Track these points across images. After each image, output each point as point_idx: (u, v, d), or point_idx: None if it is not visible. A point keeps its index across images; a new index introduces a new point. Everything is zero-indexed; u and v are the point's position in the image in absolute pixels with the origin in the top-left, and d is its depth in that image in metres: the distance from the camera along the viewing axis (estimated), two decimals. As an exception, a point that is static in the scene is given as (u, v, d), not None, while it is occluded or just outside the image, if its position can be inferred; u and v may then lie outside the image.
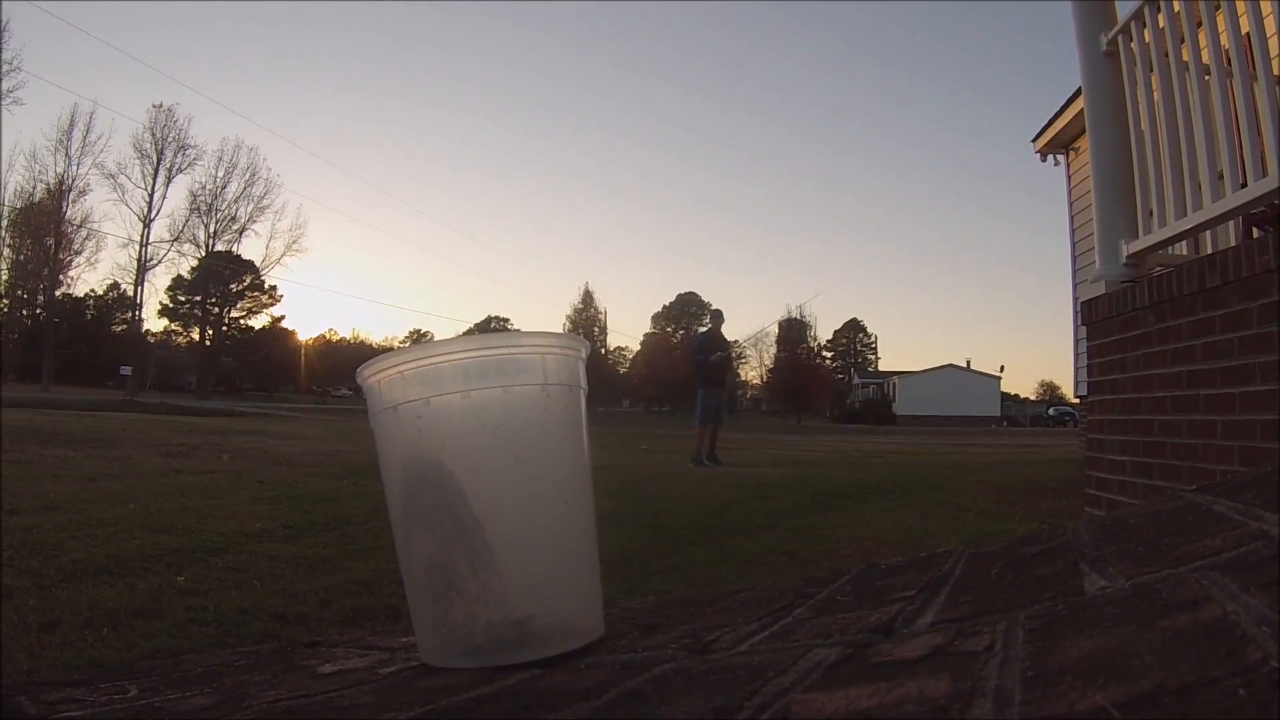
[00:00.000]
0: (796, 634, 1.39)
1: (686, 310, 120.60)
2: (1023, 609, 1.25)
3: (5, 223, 66.52)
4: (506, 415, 1.48)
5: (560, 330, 1.71)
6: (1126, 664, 0.84)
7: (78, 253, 69.92)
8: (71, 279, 73.32)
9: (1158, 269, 4.74)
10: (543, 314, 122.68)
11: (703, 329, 18.10)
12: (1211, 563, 1.23)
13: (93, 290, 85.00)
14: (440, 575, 1.48)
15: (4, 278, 69.13)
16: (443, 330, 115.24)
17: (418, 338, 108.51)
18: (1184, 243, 4.73)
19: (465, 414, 1.47)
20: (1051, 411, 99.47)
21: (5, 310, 71.53)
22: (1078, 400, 15.78)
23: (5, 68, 52.97)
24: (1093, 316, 5.10)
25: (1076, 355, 13.54)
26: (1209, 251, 4.48)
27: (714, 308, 16.25)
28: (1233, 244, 4.40)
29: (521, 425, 1.50)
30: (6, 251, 68.38)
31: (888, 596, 1.55)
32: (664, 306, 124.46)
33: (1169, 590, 1.13)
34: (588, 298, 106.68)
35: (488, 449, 1.47)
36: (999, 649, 1.04)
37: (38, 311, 73.45)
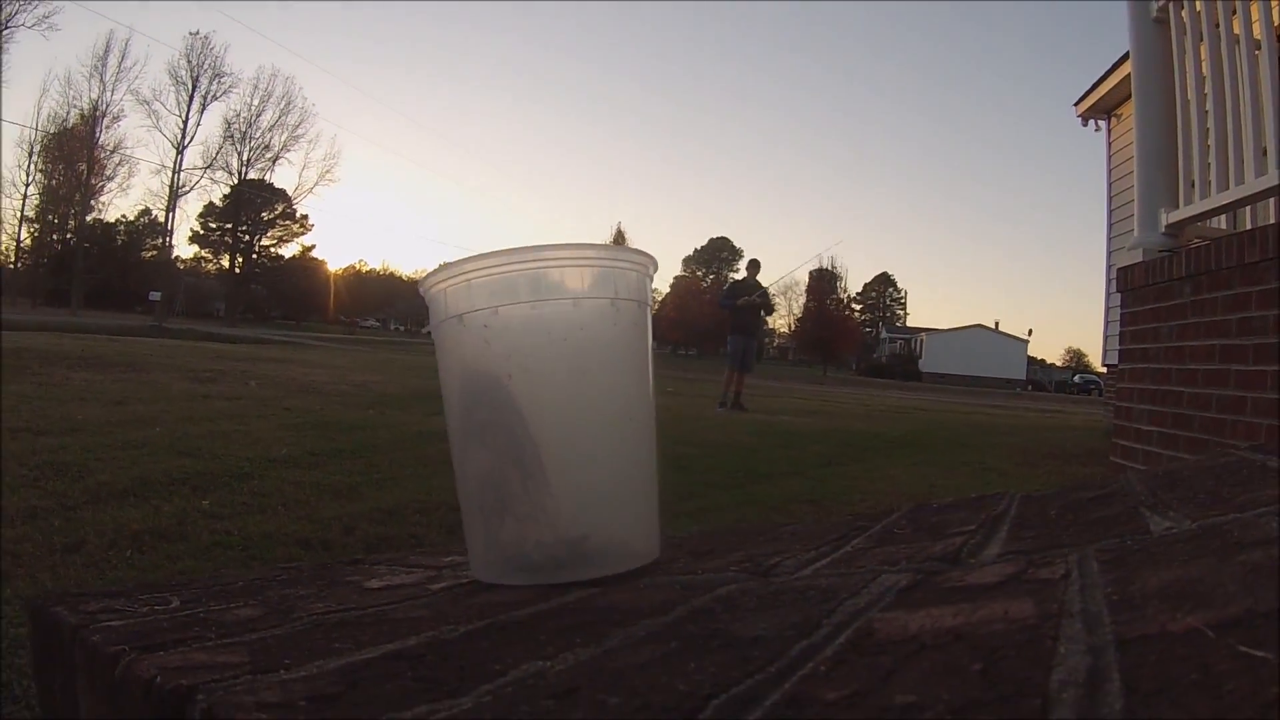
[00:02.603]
0: (860, 561, 1.38)
1: (718, 255, 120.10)
2: (1091, 544, 1.25)
3: (39, 148, 66.72)
4: (575, 329, 1.42)
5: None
6: (1210, 592, 0.85)
7: (110, 178, 69.90)
8: (103, 204, 73.47)
9: (1196, 241, 4.70)
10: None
11: (737, 276, 18.01)
12: (1276, 509, 1.23)
13: (124, 216, 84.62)
14: (494, 493, 1.45)
15: (35, 203, 69.27)
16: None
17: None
18: (1223, 216, 4.69)
19: (534, 326, 1.41)
20: (1077, 379, 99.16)
21: (36, 235, 71.70)
22: (1105, 369, 15.71)
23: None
24: (1128, 284, 5.07)
25: (1107, 324, 13.46)
26: (1248, 227, 4.45)
27: (751, 257, 16.15)
28: (1272, 221, 4.36)
29: (590, 340, 1.44)
30: (39, 176, 68.52)
31: (945, 531, 1.54)
32: (695, 250, 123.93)
33: (1239, 531, 1.14)
34: (619, 237, 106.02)
35: (554, 363, 1.42)
36: (1075, 577, 1.04)
37: (68, 236, 73.43)
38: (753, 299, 15.08)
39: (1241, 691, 0.59)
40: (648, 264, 1.59)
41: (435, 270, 1.49)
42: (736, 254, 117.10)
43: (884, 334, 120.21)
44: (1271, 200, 4.36)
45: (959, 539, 1.45)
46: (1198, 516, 1.32)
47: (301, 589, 1.45)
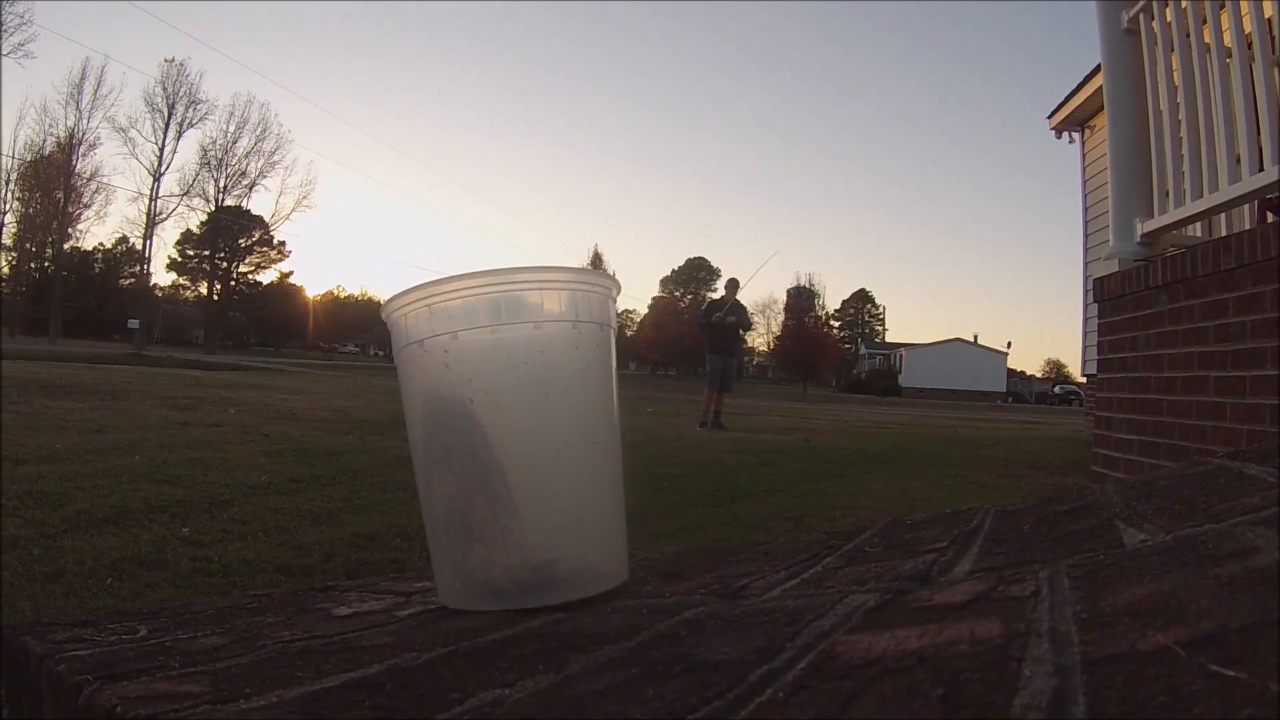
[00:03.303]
0: (829, 581, 1.37)
1: (695, 275, 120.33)
2: (1063, 559, 1.25)
3: (14, 176, 66.65)
4: (536, 352, 1.42)
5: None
6: (1183, 607, 0.84)
7: (87, 206, 70.08)
8: (80, 232, 73.58)
9: (1171, 249, 4.72)
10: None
11: (715, 295, 18.02)
12: (1253, 519, 1.23)
13: (101, 244, 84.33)
14: (460, 518, 1.44)
15: (12, 231, 69.12)
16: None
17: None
18: (1198, 224, 4.71)
19: (495, 350, 1.41)
20: (1057, 390, 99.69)
21: (13, 263, 71.56)
22: (1085, 379, 15.76)
23: (15, 20, 53.13)
24: (1105, 294, 5.08)
25: (1085, 334, 13.53)
26: (1222, 234, 4.46)
27: (731, 277, 16.14)
28: (1246, 228, 4.37)
29: (551, 363, 1.44)
30: (15, 205, 68.38)
31: (918, 548, 1.54)
32: (673, 270, 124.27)
33: (1214, 542, 1.13)
34: (597, 259, 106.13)
35: (515, 387, 1.42)
36: (1045, 595, 1.04)
37: (45, 265, 73.30)
38: (724, 314, 15.09)
39: (1211, 714, 0.58)
40: (610, 286, 1.58)
41: (396, 295, 1.48)
42: (714, 273, 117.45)
43: (863, 350, 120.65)
44: (1246, 206, 4.39)
45: (930, 556, 1.45)
46: (1173, 528, 1.32)
47: (270, 617, 1.44)
